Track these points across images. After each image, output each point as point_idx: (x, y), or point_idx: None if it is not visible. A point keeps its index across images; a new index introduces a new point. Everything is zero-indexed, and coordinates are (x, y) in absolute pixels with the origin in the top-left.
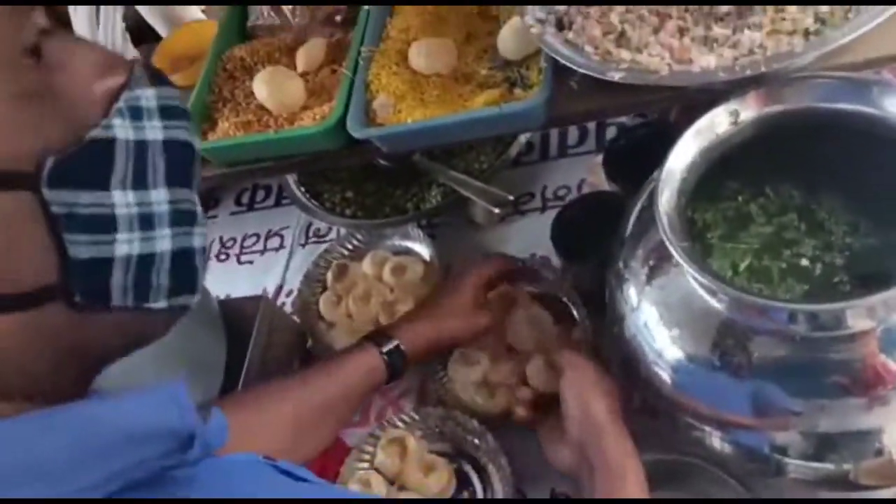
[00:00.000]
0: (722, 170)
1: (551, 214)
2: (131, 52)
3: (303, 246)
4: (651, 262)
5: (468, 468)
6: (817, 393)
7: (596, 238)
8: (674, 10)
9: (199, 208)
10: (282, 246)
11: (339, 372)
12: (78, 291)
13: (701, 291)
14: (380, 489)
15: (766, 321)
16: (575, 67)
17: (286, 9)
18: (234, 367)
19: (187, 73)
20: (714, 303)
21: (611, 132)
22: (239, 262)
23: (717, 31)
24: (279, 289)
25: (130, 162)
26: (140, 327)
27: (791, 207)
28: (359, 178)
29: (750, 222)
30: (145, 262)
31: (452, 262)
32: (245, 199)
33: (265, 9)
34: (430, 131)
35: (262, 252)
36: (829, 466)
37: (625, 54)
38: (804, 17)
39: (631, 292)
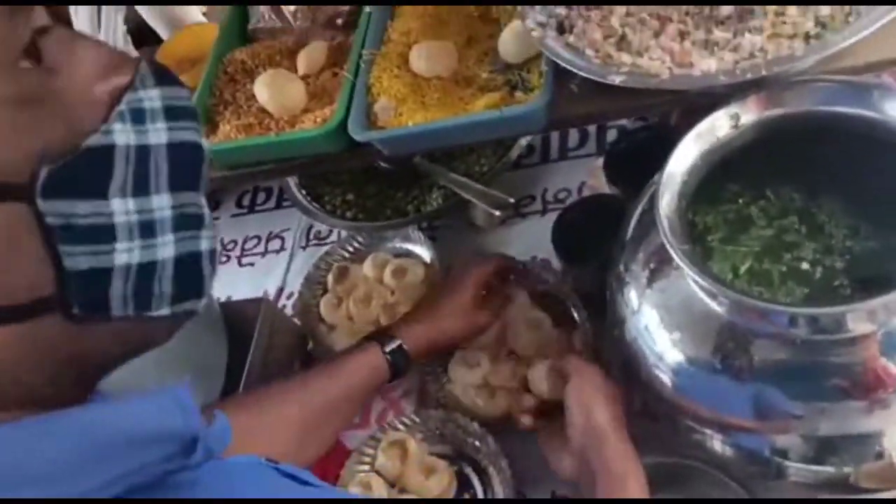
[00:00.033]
0: (722, 173)
1: (552, 217)
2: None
3: (303, 248)
4: (652, 265)
5: (469, 470)
6: (818, 396)
7: (597, 241)
8: (674, 13)
9: (206, 210)
10: (282, 248)
11: (342, 372)
12: (76, 303)
13: (701, 294)
14: (380, 491)
15: (766, 324)
16: (576, 71)
17: (287, 12)
18: (236, 369)
19: (188, 76)
20: (715, 306)
21: (611, 135)
22: (240, 264)
23: (718, 34)
24: (280, 291)
25: (131, 168)
26: (141, 335)
27: (791, 210)
28: (360, 181)
29: (750, 225)
30: (146, 270)
31: (453, 264)
32: (246, 202)
33: (266, 11)
34: (431, 134)
35: (263, 254)
36: (829, 469)
37: (625, 58)
38: (805, 20)
39: (632, 295)
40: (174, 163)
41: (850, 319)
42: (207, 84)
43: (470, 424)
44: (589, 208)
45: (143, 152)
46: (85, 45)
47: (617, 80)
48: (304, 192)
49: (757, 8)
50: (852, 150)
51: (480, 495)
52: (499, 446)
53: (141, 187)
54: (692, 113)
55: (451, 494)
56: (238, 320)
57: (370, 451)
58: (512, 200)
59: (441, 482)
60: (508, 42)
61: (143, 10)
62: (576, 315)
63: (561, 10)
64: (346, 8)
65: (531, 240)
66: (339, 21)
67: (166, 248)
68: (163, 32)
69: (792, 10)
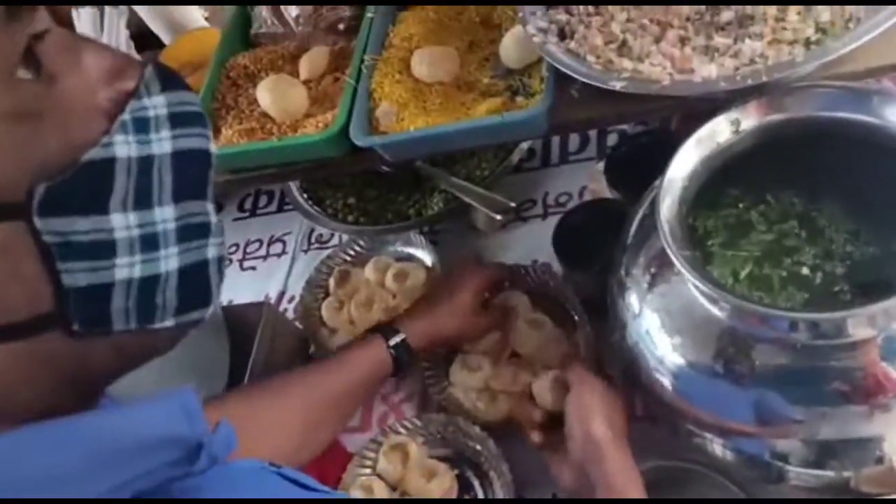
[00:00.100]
0: (723, 178)
1: (553, 221)
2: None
3: (305, 252)
4: (652, 270)
5: (470, 474)
6: (818, 401)
7: (598, 245)
8: (675, 19)
9: (213, 218)
10: (284, 252)
11: (346, 365)
12: (76, 319)
13: (702, 299)
14: (382, 495)
15: (767, 329)
16: (576, 77)
17: (289, 17)
18: (238, 373)
19: (190, 81)
20: (715, 310)
21: (612, 139)
22: (242, 267)
23: (719, 40)
24: (281, 295)
25: (132, 181)
26: (143, 348)
27: (792, 215)
28: (361, 185)
29: (751, 230)
30: (148, 283)
31: (454, 268)
32: (248, 205)
33: (268, 17)
34: (432, 139)
35: (265, 258)
36: (829, 474)
37: (626, 63)
38: (805, 26)
39: (632, 299)
40: (179, 172)
41: (850, 324)
42: (209, 89)
43: (471, 428)
44: (590, 212)
45: (145, 163)
46: (88, 49)
47: (618, 85)
48: (305, 195)
49: (757, 14)
50: (852, 156)
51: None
52: (500, 450)
53: (143, 200)
54: (693, 118)
55: (452, 497)
56: (240, 324)
57: (371, 454)
58: (513, 204)
59: (442, 485)
60: (510, 47)
61: (146, 15)
62: (577, 319)
63: (562, 16)
64: (347, 13)
65: (532, 244)
66: (341, 26)
67: (170, 260)
68: (165, 37)
69: (792, 16)
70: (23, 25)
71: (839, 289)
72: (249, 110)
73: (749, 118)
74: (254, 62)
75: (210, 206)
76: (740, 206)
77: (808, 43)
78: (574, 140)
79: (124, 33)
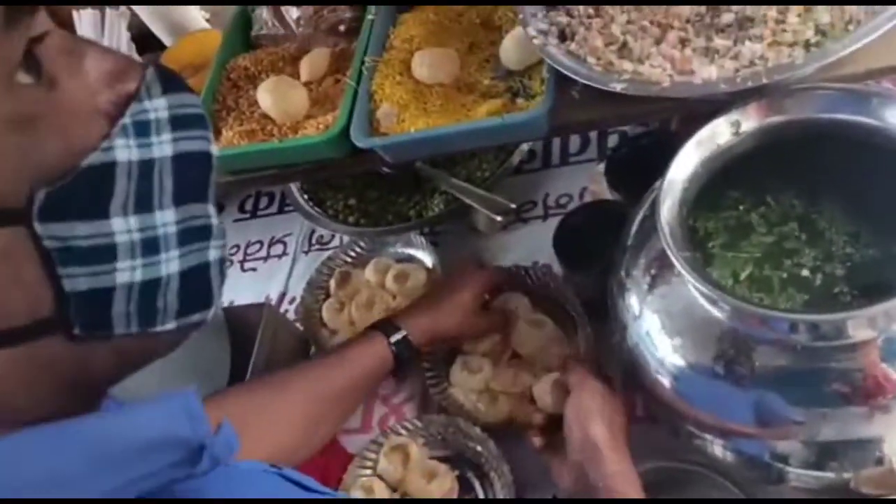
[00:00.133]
0: (723, 180)
1: (553, 222)
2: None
3: (306, 253)
4: (653, 271)
5: (470, 475)
6: (818, 402)
7: (598, 246)
8: (675, 21)
9: (214, 220)
10: (285, 253)
11: (346, 361)
12: (76, 323)
13: (702, 300)
14: (382, 496)
15: (767, 330)
16: (577, 78)
17: (290, 18)
18: (238, 374)
19: (191, 83)
20: (715, 312)
21: (612, 140)
22: (242, 269)
23: (719, 42)
24: (282, 296)
25: (133, 184)
26: (144, 350)
27: (792, 217)
28: (361, 186)
29: (751, 232)
30: (149, 287)
31: (454, 269)
32: (248, 206)
33: (269, 18)
34: (433, 141)
35: (266, 259)
36: (829, 475)
37: (626, 65)
38: (805, 28)
39: (633, 301)
40: (180, 175)
41: (850, 326)
42: (210, 90)
43: (471, 429)
44: (590, 214)
45: (146, 167)
46: (89, 52)
47: (618, 87)
48: (306, 196)
49: (757, 16)
50: (852, 158)
51: None
52: (500, 451)
53: (144, 204)
54: (693, 120)
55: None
56: (241, 325)
57: (372, 455)
58: (513, 206)
59: (443, 486)
60: (510, 49)
61: (147, 17)
62: (577, 320)
63: (562, 18)
64: (348, 15)
65: (533, 245)
66: (342, 28)
67: (171, 263)
68: (166, 39)
69: (792, 18)
70: (22, 30)
71: (839, 290)
72: (250, 112)
73: (749, 120)
74: (254, 64)
75: (211, 209)
76: (740, 208)
77: (807, 45)
78: (575, 141)
79: (125, 35)
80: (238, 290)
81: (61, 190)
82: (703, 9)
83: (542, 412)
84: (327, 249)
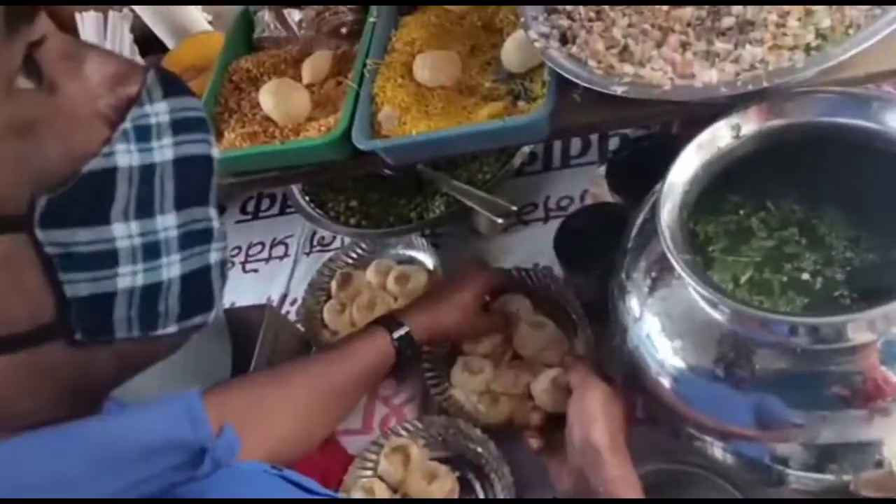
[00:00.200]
0: (724, 183)
1: (554, 224)
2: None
3: (307, 254)
4: (653, 274)
5: (471, 476)
6: (818, 405)
7: (599, 249)
8: (676, 24)
9: (215, 223)
10: (286, 254)
11: (349, 356)
12: (78, 329)
13: (702, 303)
14: (383, 496)
15: (767, 333)
16: (578, 81)
17: (292, 21)
18: (240, 374)
19: (194, 85)
20: (716, 315)
21: (613, 143)
22: (244, 270)
23: (719, 45)
24: (284, 297)
25: (134, 190)
26: (145, 354)
27: (792, 221)
28: (363, 188)
29: (751, 236)
30: (151, 291)
31: (455, 271)
32: (250, 208)
33: (271, 21)
34: (434, 143)
35: (267, 260)
36: (829, 477)
37: (627, 68)
38: (805, 32)
39: (633, 303)
40: (181, 179)
41: (850, 329)
42: (212, 92)
43: (472, 430)
44: (591, 216)
45: (147, 172)
46: (89, 56)
47: (619, 90)
48: (307, 198)
49: (758, 20)
50: (853, 161)
51: None
52: (501, 452)
53: (145, 209)
54: (693, 123)
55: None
56: (242, 326)
57: (373, 456)
58: (514, 208)
59: (443, 487)
60: (511, 52)
61: (149, 19)
62: (578, 322)
63: (563, 21)
64: (350, 17)
65: (533, 247)
66: (344, 30)
67: (172, 267)
68: (168, 41)
69: (793, 21)
70: (22, 35)
71: (839, 294)
72: (252, 114)
73: (749, 123)
74: (256, 66)
75: (212, 212)
76: (741, 212)
77: (808, 49)
78: (576, 144)
79: (128, 37)
80: (239, 291)
81: (62, 196)
82: (703, 12)
83: (540, 410)
84: (329, 251)
